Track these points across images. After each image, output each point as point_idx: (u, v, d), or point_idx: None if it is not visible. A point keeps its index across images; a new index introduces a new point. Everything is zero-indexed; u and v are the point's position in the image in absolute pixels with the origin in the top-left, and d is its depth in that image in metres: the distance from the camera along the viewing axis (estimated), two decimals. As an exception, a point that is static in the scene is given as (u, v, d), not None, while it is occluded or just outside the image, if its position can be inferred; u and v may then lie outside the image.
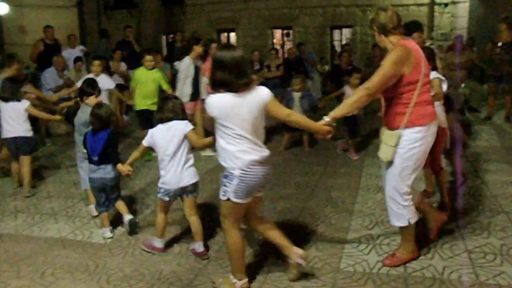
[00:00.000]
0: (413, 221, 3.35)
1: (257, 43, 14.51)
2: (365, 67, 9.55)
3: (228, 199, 2.99)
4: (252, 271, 3.37)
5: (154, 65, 6.92)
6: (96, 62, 6.89)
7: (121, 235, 4.11)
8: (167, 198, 3.70)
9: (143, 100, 6.67)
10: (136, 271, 3.48)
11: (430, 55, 4.15)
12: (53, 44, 9.30)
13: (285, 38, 15.62)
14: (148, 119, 5.77)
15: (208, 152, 6.66)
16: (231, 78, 2.85)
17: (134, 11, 14.33)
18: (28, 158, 5.40)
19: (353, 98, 3.22)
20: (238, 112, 2.87)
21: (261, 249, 3.72)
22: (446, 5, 13.00)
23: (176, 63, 7.06)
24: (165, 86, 6.81)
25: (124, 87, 9.39)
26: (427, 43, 5.28)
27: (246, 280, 3.13)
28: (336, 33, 15.13)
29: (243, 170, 2.90)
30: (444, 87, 4.14)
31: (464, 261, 3.42)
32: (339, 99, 6.60)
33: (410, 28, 5.10)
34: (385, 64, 3.14)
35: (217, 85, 2.92)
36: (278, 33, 15.84)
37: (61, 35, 10.19)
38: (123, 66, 9.82)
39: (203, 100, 6.38)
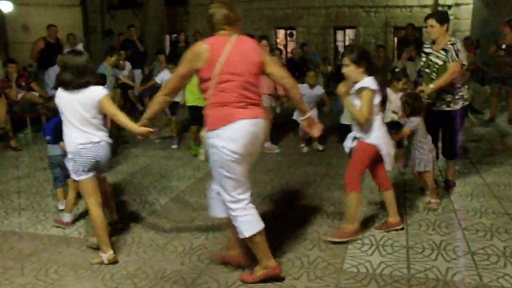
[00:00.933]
0: (247, 234, 3.05)
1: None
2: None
3: (76, 180, 3.57)
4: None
5: None
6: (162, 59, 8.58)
7: (125, 233, 4.12)
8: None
9: (191, 95, 6.78)
10: (139, 269, 3.49)
11: (359, 57, 3.63)
12: (55, 43, 9.26)
13: (289, 38, 15.64)
14: (195, 115, 6.21)
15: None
16: (71, 78, 3.43)
17: (138, 11, 14.35)
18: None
19: (154, 99, 3.36)
20: (73, 105, 3.45)
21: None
22: (449, 7, 13.00)
23: None
24: None
25: (128, 86, 9.42)
26: (452, 40, 4.69)
27: (111, 252, 3.57)
28: (340, 33, 15.14)
29: (74, 152, 3.47)
30: (377, 100, 3.65)
31: (468, 262, 3.43)
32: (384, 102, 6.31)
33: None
34: (179, 62, 3.16)
35: (61, 84, 3.50)
36: (281, 33, 15.86)
37: (65, 34, 10.21)
38: (128, 65, 9.85)
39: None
